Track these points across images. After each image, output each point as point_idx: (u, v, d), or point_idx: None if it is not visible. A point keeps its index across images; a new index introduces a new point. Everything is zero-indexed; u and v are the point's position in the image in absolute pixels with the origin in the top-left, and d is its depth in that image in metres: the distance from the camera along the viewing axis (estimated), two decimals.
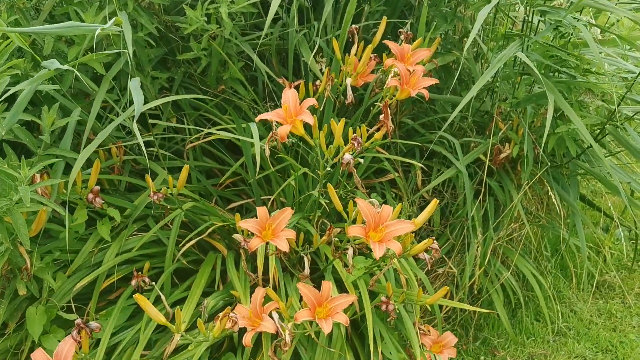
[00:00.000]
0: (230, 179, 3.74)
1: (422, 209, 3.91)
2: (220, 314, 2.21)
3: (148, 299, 2.75)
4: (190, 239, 2.97)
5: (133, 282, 2.61)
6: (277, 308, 2.45)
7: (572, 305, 4.29)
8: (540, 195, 4.02)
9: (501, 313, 3.80)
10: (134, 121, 2.17)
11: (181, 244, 2.94)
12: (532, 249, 4.27)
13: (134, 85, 2.19)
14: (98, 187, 2.44)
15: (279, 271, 2.94)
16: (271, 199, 3.25)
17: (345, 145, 2.55)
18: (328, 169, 2.59)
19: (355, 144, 2.43)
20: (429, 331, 3.18)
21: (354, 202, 2.48)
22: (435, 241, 2.40)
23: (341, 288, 3.04)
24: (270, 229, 2.49)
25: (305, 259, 2.71)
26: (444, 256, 3.80)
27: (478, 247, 3.63)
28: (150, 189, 2.61)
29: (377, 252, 2.26)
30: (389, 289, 2.59)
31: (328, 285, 2.44)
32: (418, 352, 2.85)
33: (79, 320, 2.09)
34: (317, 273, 3.12)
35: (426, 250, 2.42)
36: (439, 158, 3.86)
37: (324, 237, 2.68)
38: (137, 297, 2.11)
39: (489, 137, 3.72)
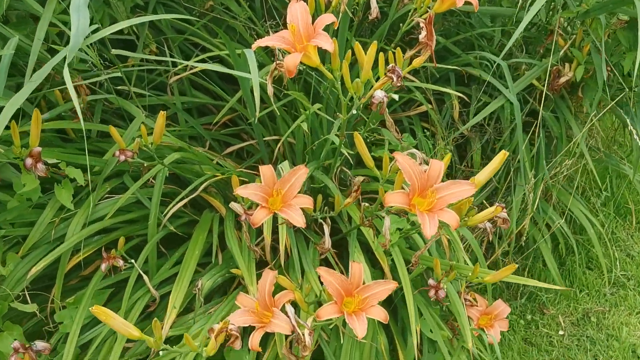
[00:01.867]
0: (227, 116, 3.09)
1: (458, 147, 3.27)
2: (216, 327, 1.62)
3: (128, 279, 2.19)
4: (183, 197, 2.35)
5: (103, 267, 2.02)
6: (292, 299, 1.86)
7: (628, 249, 3.70)
8: (598, 126, 3.36)
9: (549, 262, 3.23)
10: (69, 54, 1.50)
11: (168, 208, 2.32)
12: (581, 187, 3.63)
13: (75, 1, 1.51)
14: (39, 149, 1.78)
15: (291, 237, 2.34)
16: (278, 145, 2.60)
17: (374, 77, 1.89)
18: (353, 112, 1.92)
19: (394, 78, 1.75)
20: (475, 300, 2.61)
21: (390, 156, 1.84)
22: (504, 209, 1.77)
23: (368, 256, 2.45)
24: (280, 195, 1.86)
25: (325, 227, 2.10)
26: (484, 201, 3.20)
27: (527, 190, 3.01)
28: (118, 144, 1.96)
29: (428, 229, 1.63)
30: (437, 267, 1.99)
31: (359, 268, 1.83)
32: (467, 328, 2.29)
33: (16, 344, 1.50)
34: (337, 235, 2.52)
35: (490, 219, 1.80)
36: (477, 84, 3.17)
37: (349, 200, 2.06)
38: (96, 310, 1.51)
39: (541, 57, 3.02)
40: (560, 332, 3.23)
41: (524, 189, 3.10)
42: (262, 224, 2.17)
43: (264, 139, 2.92)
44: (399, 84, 1.76)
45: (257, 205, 1.83)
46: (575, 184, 3.30)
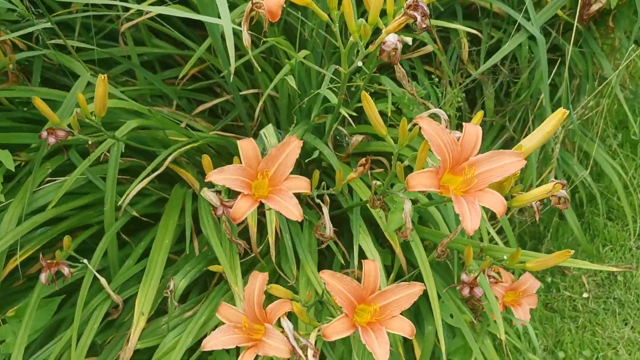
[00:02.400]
0: (195, 68, 2.60)
1: (467, 93, 2.82)
2: None
3: (82, 279, 1.77)
4: (147, 175, 1.90)
5: (42, 278, 1.58)
6: (289, 310, 1.45)
7: None
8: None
9: (569, 216, 2.85)
10: None
11: (129, 190, 1.87)
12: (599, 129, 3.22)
13: None
14: None
15: (282, 219, 1.91)
16: (259, 104, 2.13)
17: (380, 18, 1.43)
18: (359, 64, 1.47)
19: (418, 17, 1.29)
20: (499, 275, 2.23)
21: (408, 121, 1.40)
22: (563, 188, 1.35)
23: (373, 229, 2.04)
24: (266, 178, 1.43)
25: (324, 208, 1.67)
26: None
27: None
28: (50, 120, 1.49)
29: (469, 221, 1.22)
30: (469, 257, 1.58)
31: (374, 268, 1.42)
32: (495, 309, 1.91)
33: None
34: (337, 209, 2.10)
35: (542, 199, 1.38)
36: (488, 17, 2.70)
37: (353, 174, 1.63)
38: None
39: None
40: (585, 295, 2.90)
41: None
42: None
43: (241, 93, 2.44)
44: (424, 25, 1.30)
45: (238, 193, 1.40)
46: (597, 128, 2.88)
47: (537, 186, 2.55)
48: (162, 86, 2.37)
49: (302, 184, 1.44)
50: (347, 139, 2.26)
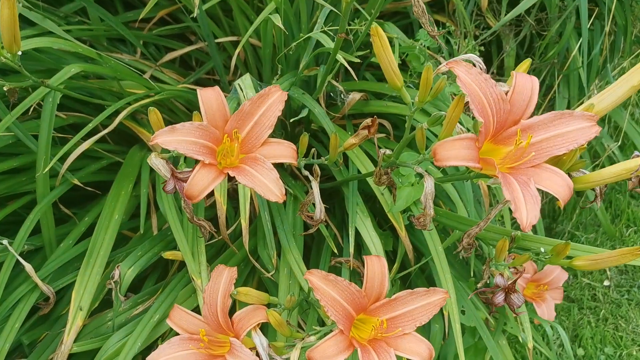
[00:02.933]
0: (165, 9, 2.18)
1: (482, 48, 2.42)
2: None
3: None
4: (93, 133, 1.50)
5: None
6: (263, 320, 1.08)
7: None
8: None
9: (591, 194, 2.48)
10: None
11: (64, 149, 1.48)
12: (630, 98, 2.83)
13: None
14: None
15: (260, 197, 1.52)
16: (237, 51, 1.73)
17: None
18: None
19: None
20: (521, 265, 1.87)
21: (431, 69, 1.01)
22: None
23: (368, 206, 1.67)
24: (237, 142, 1.04)
25: (314, 183, 1.29)
26: None
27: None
28: None
29: (524, 211, 0.85)
30: (502, 251, 1.21)
31: (379, 267, 1.05)
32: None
33: None
34: (328, 181, 1.72)
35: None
36: None
37: (353, 140, 1.24)
38: None
39: None
40: (606, 283, 2.55)
41: (568, 101, 2.32)
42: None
43: (217, 40, 2.04)
44: None
45: (197, 161, 1.01)
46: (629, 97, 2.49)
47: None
48: (120, 27, 1.95)
49: (284, 151, 1.05)
50: (342, 96, 1.86)
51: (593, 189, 1.09)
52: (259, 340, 1.05)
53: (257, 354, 1.06)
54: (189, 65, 2.34)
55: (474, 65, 1.10)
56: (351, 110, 1.89)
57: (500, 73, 2.35)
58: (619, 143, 2.38)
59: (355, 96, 1.85)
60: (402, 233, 1.55)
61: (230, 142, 1.04)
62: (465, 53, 2.06)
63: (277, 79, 1.65)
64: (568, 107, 2.31)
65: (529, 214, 0.84)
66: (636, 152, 0.99)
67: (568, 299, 2.51)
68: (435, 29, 2.02)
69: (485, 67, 1.09)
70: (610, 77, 2.16)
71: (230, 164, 1.05)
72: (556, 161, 1.00)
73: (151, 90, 1.71)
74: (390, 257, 1.73)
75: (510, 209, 1.70)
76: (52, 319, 1.58)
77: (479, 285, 1.38)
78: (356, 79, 1.69)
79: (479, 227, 1.15)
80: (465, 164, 0.88)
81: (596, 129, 0.92)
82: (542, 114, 1.09)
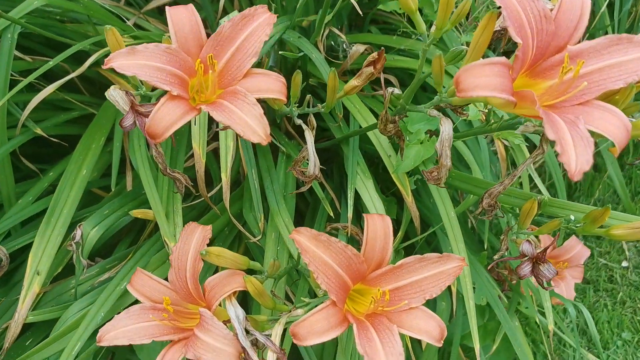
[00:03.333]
0: None
1: None
2: None
3: None
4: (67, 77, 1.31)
5: None
6: (240, 288, 0.89)
7: None
8: None
9: (613, 168, 2.30)
10: None
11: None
12: None
13: None
14: None
15: (246, 149, 1.34)
16: None
17: None
18: None
19: None
20: (537, 239, 1.68)
21: None
22: None
23: (372, 170, 1.48)
24: (214, 71, 0.85)
25: (307, 133, 1.10)
26: None
27: None
28: None
29: (574, 157, 0.65)
30: (527, 215, 1.02)
31: (382, 225, 0.86)
32: (547, 299, 1.39)
33: None
34: (324, 140, 1.53)
35: None
36: None
37: (355, 81, 1.04)
38: None
39: None
40: (624, 264, 2.37)
41: None
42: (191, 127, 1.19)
43: None
44: None
45: (165, 92, 0.82)
46: None
47: None
48: None
49: (272, 84, 0.85)
50: (345, 47, 1.67)
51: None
52: (234, 311, 0.86)
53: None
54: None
55: None
56: (354, 64, 1.69)
57: None
58: None
59: (359, 48, 1.65)
60: (409, 198, 1.36)
61: (205, 73, 0.84)
62: None
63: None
64: None
65: (578, 157, 0.66)
66: None
67: (583, 280, 2.33)
68: None
69: None
70: None
71: (206, 100, 0.86)
72: (607, 101, 0.81)
73: (125, 32, 1.51)
74: (394, 227, 1.54)
75: (530, 176, 1.52)
76: (11, 285, 1.40)
77: (495, 257, 1.20)
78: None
79: (503, 186, 0.96)
80: (495, 95, 0.69)
81: None
82: None
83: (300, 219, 1.65)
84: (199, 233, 0.94)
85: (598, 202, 2.50)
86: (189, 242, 0.93)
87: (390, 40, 1.72)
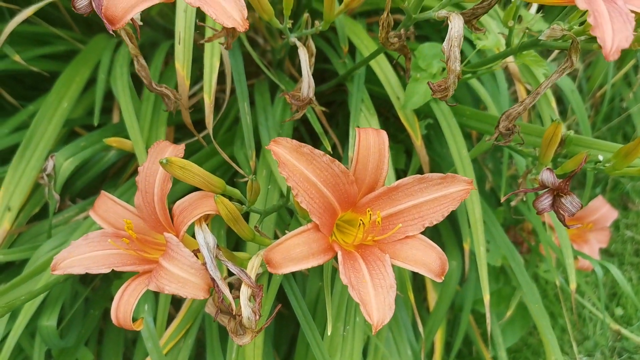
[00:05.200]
0: None
1: None
2: None
3: None
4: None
5: None
6: (212, 212, 0.77)
7: None
8: None
9: None
10: None
11: None
12: None
13: None
14: None
15: (237, 74, 1.21)
16: None
17: None
18: None
19: None
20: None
21: None
22: None
23: (382, 120, 1.36)
24: None
25: (302, 54, 0.97)
26: None
27: None
28: None
29: (610, 31, 0.52)
30: (550, 145, 0.88)
31: (376, 139, 0.74)
32: (565, 245, 1.24)
33: None
34: (328, 80, 1.40)
35: None
36: None
37: None
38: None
39: None
40: None
41: None
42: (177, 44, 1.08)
43: None
44: None
45: None
46: None
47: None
48: None
49: None
50: None
51: None
52: (203, 237, 0.74)
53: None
54: None
55: None
56: (365, 4, 1.55)
57: None
58: None
59: None
60: (418, 142, 1.23)
61: None
62: None
63: None
64: None
65: (615, 33, 0.52)
66: None
67: (607, 253, 2.18)
68: None
69: None
70: None
71: None
72: None
73: None
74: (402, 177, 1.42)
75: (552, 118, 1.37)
76: None
77: (512, 203, 1.07)
78: None
79: (523, 106, 0.82)
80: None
81: None
82: None
83: None
84: (170, 151, 0.82)
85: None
86: (155, 156, 0.81)
87: None
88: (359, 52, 1.31)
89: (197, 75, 1.27)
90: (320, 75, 1.53)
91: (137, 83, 1.25)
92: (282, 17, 0.97)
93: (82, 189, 1.34)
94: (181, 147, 0.82)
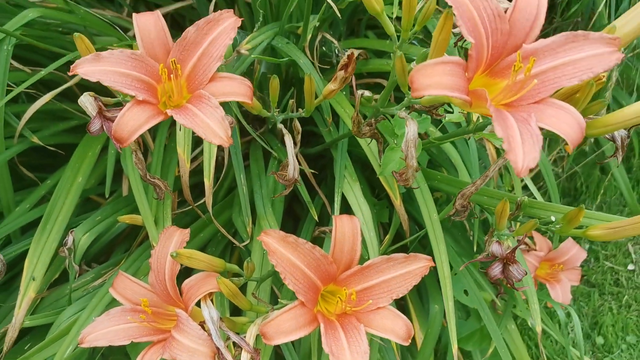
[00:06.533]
0: None
1: None
2: None
3: None
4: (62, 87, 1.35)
5: None
6: (214, 290, 0.91)
7: None
8: None
9: (618, 171, 2.27)
10: None
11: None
12: None
13: None
14: None
15: (235, 154, 1.36)
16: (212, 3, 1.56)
17: None
18: None
19: None
20: (532, 240, 1.69)
21: None
22: None
23: (366, 175, 1.50)
24: (181, 77, 0.87)
25: (287, 140, 1.12)
26: None
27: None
28: None
29: (520, 152, 0.67)
30: (502, 217, 1.02)
31: (350, 226, 0.88)
32: (533, 298, 1.38)
33: None
34: (317, 145, 1.55)
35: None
36: None
37: (332, 85, 1.06)
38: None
39: None
40: (630, 267, 2.35)
41: None
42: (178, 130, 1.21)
43: None
44: None
45: (130, 97, 0.84)
46: None
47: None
48: None
49: (237, 88, 0.87)
50: (337, 53, 1.69)
51: (613, 140, 0.90)
52: (208, 312, 0.88)
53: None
54: (180, 25, 2.17)
55: None
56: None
57: None
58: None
59: (353, 53, 1.67)
60: (397, 201, 1.37)
61: (169, 78, 0.86)
62: None
63: (259, 27, 1.47)
64: None
65: (525, 155, 0.66)
66: None
67: (588, 283, 2.32)
68: None
69: None
70: None
71: (177, 104, 0.89)
72: (569, 95, 0.81)
73: (121, 41, 1.55)
74: (387, 229, 1.56)
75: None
76: (10, 290, 1.44)
77: (479, 257, 1.20)
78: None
79: (475, 186, 0.97)
80: (448, 93, 0.70)
81: (617, 56, 0.73)
82: None
83: (296, 223, 1.67)
84: (177, 236, 0.96)
85: (604, 204, 2.48)
86: (168, 245, 0.95)
87: (384, 45, 1.73)
88: (342, 121, 1.46)
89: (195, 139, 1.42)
90: (308, 136, 1.68)
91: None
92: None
93: (95, 253, 1.48)
94: (186, 232, 0.97)
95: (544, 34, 1.87)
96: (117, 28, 1.69)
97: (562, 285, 1.66)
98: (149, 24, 0.87)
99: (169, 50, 0.88)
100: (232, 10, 0.89)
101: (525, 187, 1.63)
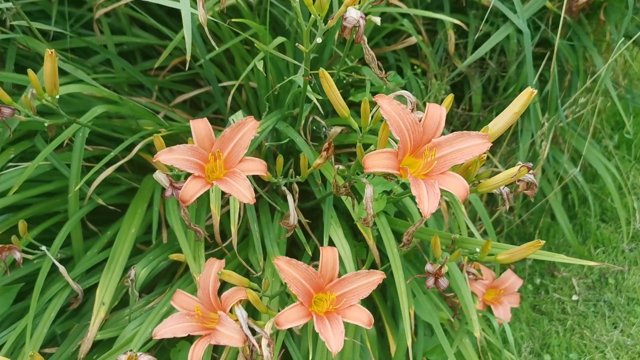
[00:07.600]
0: (178, 58, 2.56)
1: (454, 87, 2.76)
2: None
3: (40, 269, 1.71)
4: (113, 162, 1.84)
5: None
6: (244, 298, 1.39)
7: None
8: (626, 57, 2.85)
9: (560, 216, 2.77)
10: None
11: (89, 173, 1.81)
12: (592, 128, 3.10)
13: None
14: None
15: (250, 209, 1.85)
16: (232, 91, 2.07)
17: None
18: (318, 40, 1.41)
19: None
20: (479, 272, 2.16)
21: (371, 99, 1.34)
22: (530, 171, 1.28)
23: (350, 224, 1.98)
24: (220, 160, 1.37)
25: (289, 198, 1.61)
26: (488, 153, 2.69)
27: (538, 136, 2.53)
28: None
29: (426, 203, 1.15)
30: (437, 248, 1.50)
31: (332, 256, 1.36)
32: (473, 312, 1.84)
33: None
34: (310, 200, 2.04)
35: (509, 184, 1.32)
36: (476, 9, 2.63)
37: (318, 161, 1.56)
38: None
39: None
40: (574, 297, 2.81)
41: (532, 133, 2.61)
42: (209, 195, 1.68)
43: (220, 84, 2.40)
44: None
45: (189, 175, 1.33)
46: (590, 126, 2.80)
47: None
48: (138, 75, 2.32)
49: (256, 166, 1.37)
50: (325, 130, 2.19)
51: (500, 194, 1.39)
52: (240, 313, 1.35)
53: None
54: (197, 106, 2.70)
55: (406, 99, 1.43)
56: (333, 141, 2.21)
57: (469, 108, 2.68)
58: (578, 168, 2.66)
59: (337, 129, 2.17)
60: (371, 241, 1.85)
61: (215, 160, 1.36)
62: (435, 90, 2.41)
63: (265, 115, 1.98)
64: (531, 138, 2.62)
65: (429, 205, 1.15)
66: (519, 163, 1.29)
67: (539, 311, 2.77)
68: (409, 72, 2.37)
69: (414, 99, 1.42)
70: (562, 112, 2.47)
71: (217, 177, 1.37)
72: (465, 172, 1.31)
73: (162, 126, 2.05)
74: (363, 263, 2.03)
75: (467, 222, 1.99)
76: (80, 315, 1.90)
77: (422, 275, 1.67)
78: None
79: (415, 227, 1.45)
80: (386, 171, 1.19)
81: (487, 145, 1.23)
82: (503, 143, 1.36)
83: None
84: (217, 264, 1.43)
85: (553, 246, 2.95)
86: (210, 270, 1.42)
87: (360, 122, 2.25)
88: (329, 182, 1.95)
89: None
90: (303, 193, 2.17)
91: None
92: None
93: (142, 287, 1.95)
94: (222, 262, 1.44)
95: (489, 109, 2.42)
96: (153, 112, 2.20)
97: (504, 306, 2.12)
98: (200, 126, 1.36)
99: (213, 142, 1.37)
100: (253, 115, 1.40)
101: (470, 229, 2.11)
